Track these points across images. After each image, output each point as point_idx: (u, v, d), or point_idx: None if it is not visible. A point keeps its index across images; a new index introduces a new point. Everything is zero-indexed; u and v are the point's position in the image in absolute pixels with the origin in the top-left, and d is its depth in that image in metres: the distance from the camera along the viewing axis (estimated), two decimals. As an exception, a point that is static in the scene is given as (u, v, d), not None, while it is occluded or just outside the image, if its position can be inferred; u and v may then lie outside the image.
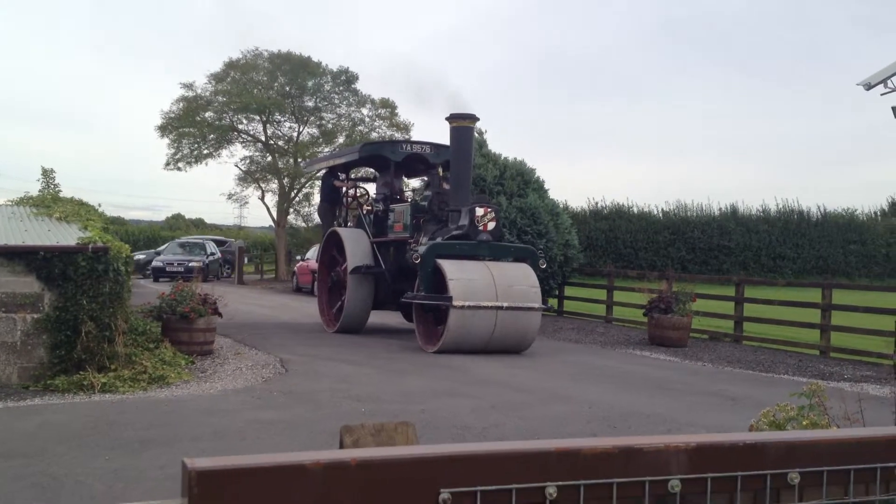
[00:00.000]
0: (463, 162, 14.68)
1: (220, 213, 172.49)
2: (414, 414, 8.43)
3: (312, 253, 29.76)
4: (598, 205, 37.90)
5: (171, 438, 7.23)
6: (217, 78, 35.82)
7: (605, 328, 18.80)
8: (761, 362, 13.82)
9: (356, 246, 15.95)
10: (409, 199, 16.88)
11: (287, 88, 35.91)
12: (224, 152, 36.53)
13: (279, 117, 36.55)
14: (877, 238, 40.75)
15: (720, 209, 39.66)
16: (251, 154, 37.13)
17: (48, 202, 14.24)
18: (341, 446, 1.81)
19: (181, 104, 35.32)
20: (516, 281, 13.39)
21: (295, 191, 37.24)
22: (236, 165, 37.30)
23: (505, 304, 13.01)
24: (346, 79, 36.59)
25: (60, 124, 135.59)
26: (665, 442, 1.69)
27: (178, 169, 35.31)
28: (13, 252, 9.92)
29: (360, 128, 37.19)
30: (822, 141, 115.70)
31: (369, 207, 16.94)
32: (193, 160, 35.41)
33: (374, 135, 36.87)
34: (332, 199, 18.14)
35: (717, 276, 28.12)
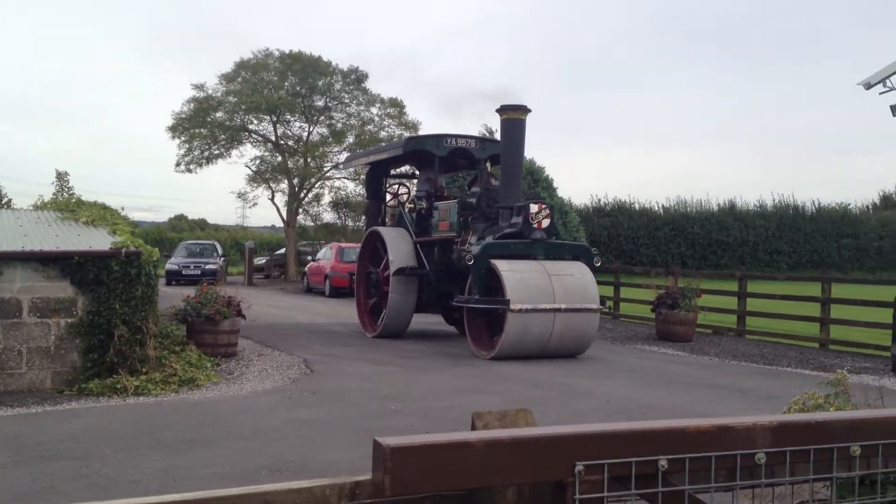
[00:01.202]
0: (514, 156, 14.07)
1: (222, 213, 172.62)
2: (442, 410, 8.76)
3: (324, 253, 30.07)
4: (601, 202, 38.27)
5: (213, 438, 7.52)
6: (228, 78, 36.08)
7: (613, 324, 19.15)
8: (764, 355, 14.17)
9: (399, 246, 15.38)
10: (456, 197, 16.13)
11: (297, 88, 36.16)
12: (234, 152, 36.79)
13: (289, 117, 36.81)
14: (869, 232, 41.16)
15: (719, 204, 40.09)
16: (261, 154, 37.39)
17: (72, 206, 14.49)
18: (473, 429, 2.12)
19: (192, 105, 35.57)
20: (573, 281, 12.87)
21: (305, 191, 37.51)
22: (247, 165, 37.61)
23: (563, 306, 12.49)
24: (355, 77, 36.81)
25: (66, 124, 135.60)
26: (753, 421, 2.01)
27: (189, 171, 35.58)
28: (47, 257, 10.21)
29: (369, 127, 37.45)
30: (817, 134, 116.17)
31: (411, 205, 16.24)
32: (204, 161, 35.67)
33: (383, 134, 37.19)
34: (379, 196, 17.55)
35: (719, 272, 28.53)
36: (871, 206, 48.38)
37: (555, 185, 24.20)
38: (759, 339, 16.32)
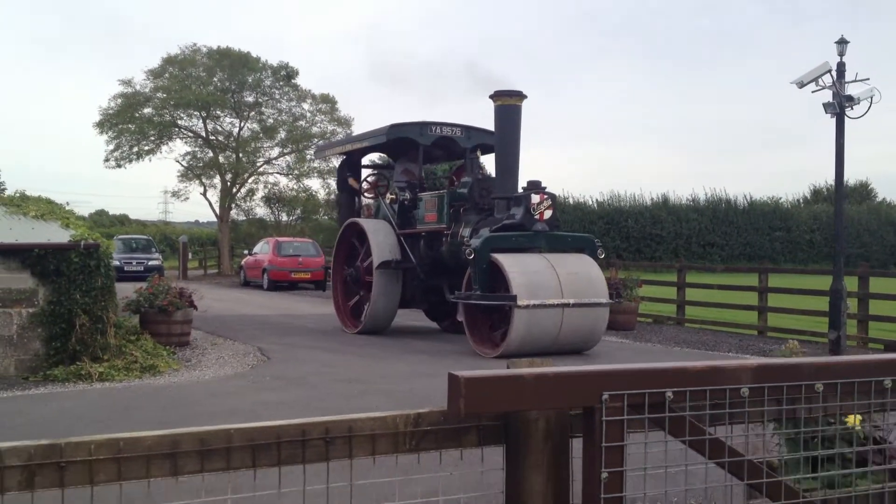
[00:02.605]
0: (510, 145, 13.39)
1: (143, 209, 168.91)
2: (404, 393, 9.17)
3: (261, 247, 30.17)
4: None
5: (190, 417, 7.78)
6: (155, 74, 35.77)
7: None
8: (705, 342, 14.91)
9: (382, 238, 14.74)
10: (442, 187, 15.54)
11: (227, 84, 36.07)
12: (164, 148, 36.52)
13: (219, 113, 36.70)
14: (801, 225, 42.68)
15: (652, 199, 41.15)
16: (192, 150, 37.20)
17: (17, 201, 14.41)
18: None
19: (119, 101, 35.20)
20: (580, 274, 12.31)
21: (238, 186, 37.45)
22: (177, 161, 37.35)
23: (571, 301, 11.93)
24: (286, 74, 36.90)
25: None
26: (738, 364, 2.50)
27: (119, 166, 35.19)
28: (8, 250, 10.30)
29: (300, 123, 37.59)
30: (748, 128, 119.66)
31: (393, 196, 15.36)
32: (134, 157, 35.31)
33: (315, 129, 37.33)
34: (351, 188, 16.70)
35: (657, 264, 29.44)
36: (801, 200, 50.24)
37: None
38: (699, 328, 17.12)
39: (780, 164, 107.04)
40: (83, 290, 10.55)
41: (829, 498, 2.71)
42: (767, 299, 16.30)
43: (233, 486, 2.30)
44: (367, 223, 15.24)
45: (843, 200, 15.00)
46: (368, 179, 16.73)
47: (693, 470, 2.50)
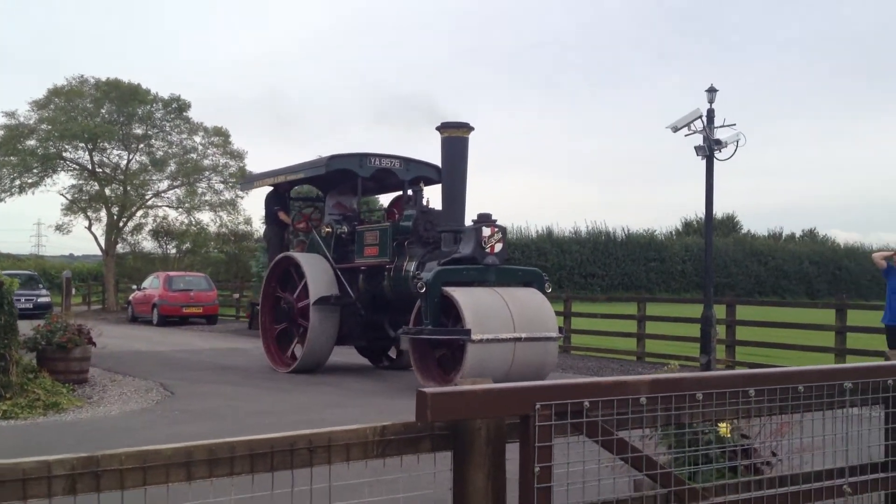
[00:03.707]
0: (457, 176, 13.23)
1: (12, 242, 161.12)
2: (316, 422, 9.55)
3: (150, 282, 29.75)
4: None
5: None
6: (40, 105, 34.95)
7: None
8: (590, 368, 15.85)
9: (318, 273, 14.31)
10: (378, 221, 15.47)
11: (115, 116, 35.56)
12: (48, 181, 35.58)
13: (106, 145, 36.08)
14: (674, 256, 44.93)
15: (537, 231, 42.58)
16: (77, 182, 36.39)
17: None
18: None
19: (1, 132, 34.21)
20: (530, 308, 12.16)
21: (124, 220, 36.80)
22: (61, 194, 36.43)
23: (524, 335, 11.77)
24: (177, 106, 36.68)
25: None
26: (637, 378, 3.13)
27: (0, 200, 34.11)
28: None
29: (191, 155, 37.33)
30: (625, 162, 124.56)
31: (329, 229, 14.81)
32: (16, 190, 34.28)
33: (206, 162, 37.14)
34: (280, 221, 16.33)
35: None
36: (674, 232, 52.83)
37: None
38: (584, 354, 18.11)
39: (654, 197, 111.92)
40: (-15, 328, 10.51)
41: (706, 486, 3.36)
42: (645, 326, 17.42)
43: (236, 488, 2.75)
44: (301, 257, 14.73)
45: (712, 234, 16.28)
46: (303, 212, 16.42)
47: (605, 464, 3.11)
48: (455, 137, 13.17)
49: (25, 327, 13.50)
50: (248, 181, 17.29)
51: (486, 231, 12.45)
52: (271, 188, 16.59)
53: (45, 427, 9.49)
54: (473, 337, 11.33)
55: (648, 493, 3.24)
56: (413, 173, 14.98)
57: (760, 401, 3.39)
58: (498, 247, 12.52)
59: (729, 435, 4.06)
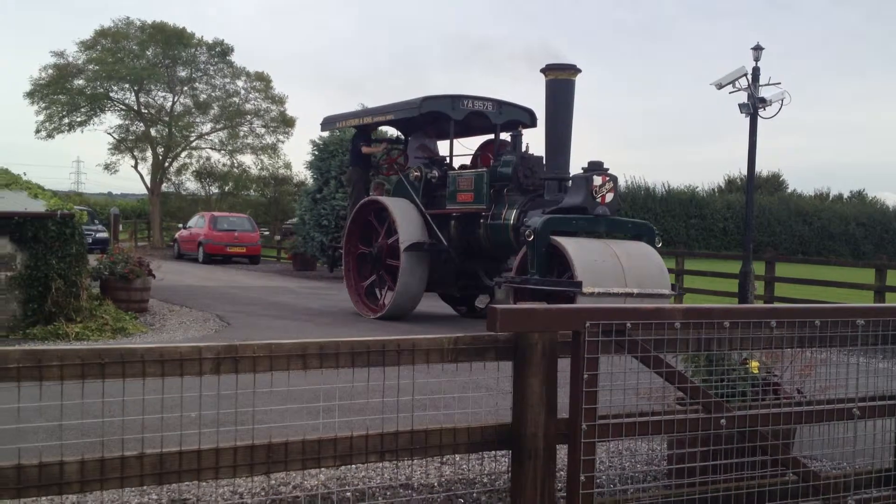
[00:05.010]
0: (562, 121, 12.51)
1: (53, 179, 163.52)
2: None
3: (196, 221, 30.64)
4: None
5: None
6: (87, 46, 35.67)
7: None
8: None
9: (408, 219, 13.78)
10: (484, 166, 14.12)
11: (161, 59, 36.22)
12: (95, 120, 36.48)
13: (151, 87, 36.83)
14: (715, 213, 44.78)
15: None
16: (124, 122, 37.26)
17: (-20, 172, 14.88)
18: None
19: (51, 71, 35.04)
20: (643, 262, 11.50)
21: (169, 160, 37.68)
22: (108, 133, 37.36)
23: (636, 291, 11.12)
24: (220, 50, 37.22)
25: None
26: (673, 306, 3.66)
27: (51, 137, 35.08)
28: (-12, 217, 10.97)
29: (234, 99, 37.97)
30: (667, 120, 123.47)
31: (417, 173, 14.17)
32: (66, 128, 35.22)
33: (248, 106, 37.78)
34: (366, 163, 15.69)
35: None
36: (716, 190, 52.55)
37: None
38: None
39: (696, 156, 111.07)
40: (59, 257, 11.28)
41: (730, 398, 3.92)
42: (683, 280, 17.85)
43: (339, 379, 3.36)
44: (390, 202, 14.15)
45: (753, 192, 16.61)
46: (390, 155, 15.81)
47: (643, 377, 3.67)
48: (561, 80, 12.44)
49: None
50: (329, 120, 16.61)
51: (598, 180, 11.72)
52: (355, 129, 16.11)
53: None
54: (585, 290, 10.69)
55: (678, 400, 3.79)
56: (505, 117, 14.36)
57: (781, 333, 3.91)
58: (609, 196, 11.81)
59: (757, 373, 4.59)
